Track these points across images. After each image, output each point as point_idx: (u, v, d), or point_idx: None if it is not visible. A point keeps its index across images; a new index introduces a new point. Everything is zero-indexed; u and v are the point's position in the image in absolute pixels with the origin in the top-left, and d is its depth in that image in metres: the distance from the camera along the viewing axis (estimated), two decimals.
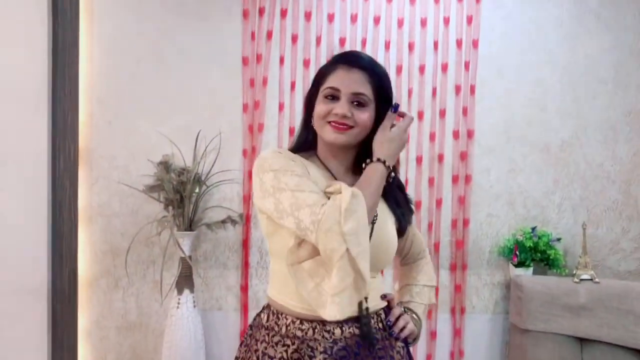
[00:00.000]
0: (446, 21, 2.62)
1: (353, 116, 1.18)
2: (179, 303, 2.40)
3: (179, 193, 2.39)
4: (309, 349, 1.15)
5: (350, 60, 1.22)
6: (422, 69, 2.62)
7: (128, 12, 2.56)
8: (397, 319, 1.28)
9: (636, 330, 2.36)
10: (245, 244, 2.60)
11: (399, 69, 2.62)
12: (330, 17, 2.59)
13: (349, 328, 1.16)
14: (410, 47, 2.62)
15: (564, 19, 2.65)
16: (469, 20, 2.61)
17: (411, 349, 1.32)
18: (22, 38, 2.44)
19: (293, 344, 1.16)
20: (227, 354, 2.61)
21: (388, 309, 1.30)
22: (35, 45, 2.44)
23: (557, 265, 2.54)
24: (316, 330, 1.16)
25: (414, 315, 1.35)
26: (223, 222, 2.46)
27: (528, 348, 2.42)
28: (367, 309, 1.15)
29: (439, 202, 2.63)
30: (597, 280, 2.46)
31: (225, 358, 2.61)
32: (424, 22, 2.61)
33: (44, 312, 2.45)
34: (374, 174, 1.15)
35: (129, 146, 2.57)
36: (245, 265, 2.61)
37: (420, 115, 2.63)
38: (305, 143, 1.29)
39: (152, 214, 2.52)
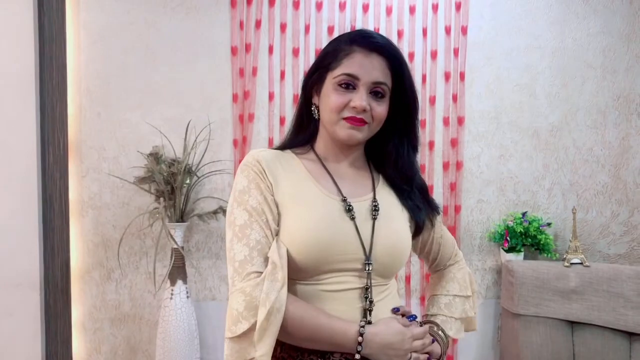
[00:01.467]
0: (435, 8, 2.61)
1: (371, 110, 1.04)
2: (172, 294, 2.39)
3: (170, 184, 2.37)
4: None
5: (368, 42, 1.04)
6: (411, 56, 2.61)
7: (115, 2, 2.54)
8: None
9: (626, 312, 2.38)
10: None
11: None
12: (319, 6, 2.58)
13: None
14: (399, 34, 2.61)
15: (552, 3, 2.65)
16: (458, 6, 2.61)
17: None
18: (7, 30, 2.41)
19: (290, 355, 1.04)
20: (221, 344, 2.61)
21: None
22: (21, 37, 2.41)
23: (548, 249, 2.56)
24: (310, 354, 1.02)
25: (438, 331, 1.16)
26: (215, 212, 2.46)
27: (519, 332, 2.44)
28: (369, 322, 1.01)
29: (430, 189, 2.58)
30: (587, 264, 2.48)
31: (219, 348, 2.61)
32: (412, 10, 2.60)
33: (37, 305, 2.44)
34: (332, 336, 0.96)
35: (118, 138, 2.56)
36: None
37: None
38: (303, 138, 1.15)
39: (143, 206, 2.51)
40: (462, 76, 2.62)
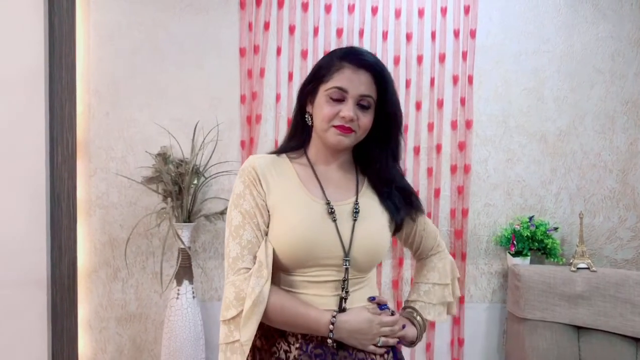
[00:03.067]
0: (443, 11, 2.61)
1: (358, 120, 1.17)
2: (178, 294, 2.40)
3: (178, 184, 2.38)
4: (286, 344, 1.18)
5: (357, 59, 1.18)
6: (419, 60, 2.61)
7: (125, 3, 2.54)
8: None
9: (633, 318, 2.37)
10: None
11: (396, 60, 2.61)
12: (328, 8, 2.58)
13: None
14: (408, 37, 2.61)
15: (561, 7, 2.64)
16: (467, 10, 2.61)
17: (409, 349, 1.24)
18: (18, 29, 2.42)
19: (274, 337, 1.20)
20: None
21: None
22: (31, 36, 2.42)
23: (554, 254, 2.55)
24: (294, 336, 1.18)
25: (417, 316, 1.31)
26: (221, 213, 2.46)
27: (525, 336, 2.43)
28: (344, 309, 1.16)
29: (437, 192, 2.64)
30: (594, 269, 2.47)
31: None
32: (421, 13, 2.60)
33: (44, 304, 2.45)
34: (308, 323, 1.14)
35: (126, 137, 2.56)
36: None
37: (419, 105, 2.62)
38: (297, 143, 1.28)
39: (150, 206, 2.52)
40: (470, 79, 2.62)
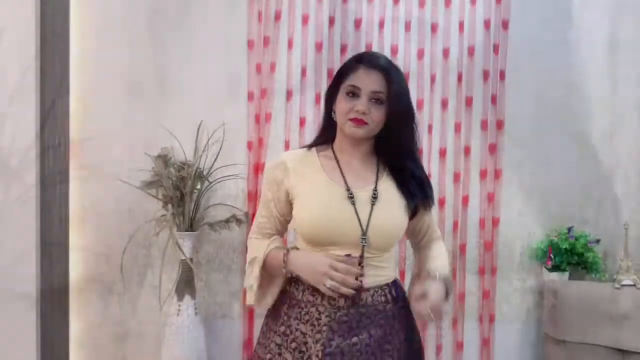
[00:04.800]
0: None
1: (370, 114, 1.39)
2: (179, 310, 2.35)
3: (179, 189, 2.34)
4: (317, 312, 1.41)
5: (370, 61, 1.43)
6: (446, 53, 2.55)
7: None
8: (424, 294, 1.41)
9: None
10: None
11: (420, 53, 2.57)
12: None
13: (349, 298, 1.40)
14: (433, 28, 2.54)
15: None
16: None
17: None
18: (9, 24, 2.36)
19: (305, 306, 1.44)
20: None
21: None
22: (23, 32, 2.37)
23: (596, 269, 2.52)
24: (324, 298, 1.41)
25: (435, 273, 1.50)
26: (227, 221, 2.40)
27: None
28: (360, 284, 1.39)
29: (465, 200, 2.58)
30: None
31: None
32: (448, 1, 2.55)
33: (32, 319, 2.37)
34: (274, 259, 1.47)
35: (124, 138, 2.51)
36: None
37: (445, 103, 2.57)
38: (326, 138, 1.54)
39: (149, 213, 2.45)
40: (502, 75, 2.56)
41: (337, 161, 1.50)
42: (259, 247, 1.52)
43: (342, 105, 1.43)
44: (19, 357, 2.38)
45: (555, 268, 2.50)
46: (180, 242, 2.31)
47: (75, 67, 2.49)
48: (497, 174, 2.57)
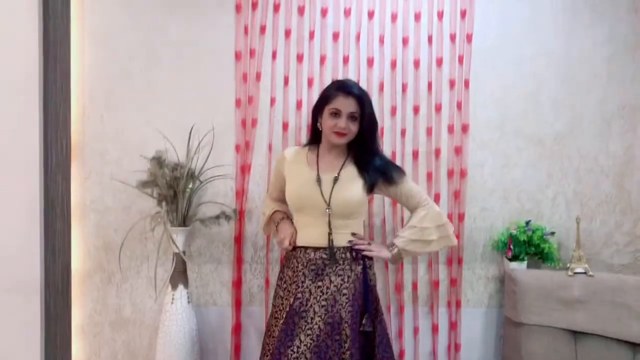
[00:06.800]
0: (440, 15, 2.60)
1: (349, 127, 1.97)
2: (173, 299, 2.38)
3: (172, 188, 2.36)
4: (297, 262, 2.02)
5: (347, 90, 1.96)
6: (416, 64, 2.61)
7: (119, 6, 2.54)
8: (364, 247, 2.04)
9: (630, 323, 2.37)
10: (239, 239, 2.59)
11: (393, 64, 2.60)
12: (324, 12, 2.58)
13: (318, 252, 1.99)
14: (404, 41, 2.60)
15: (558, 12, 2.64)
16: (463, 14, 2.60)
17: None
18: (12, 32, 2.41)
19: (293, 258, 2.04)
20: (221, 349, 2.61)
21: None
22: (26, 40, 2.42)
23: (551, 258, 2.55)
24: (300, 251, 2.02)
25: (393, 246, 2.09)
26: (217, 217, 2.44)
27: (522, 341, 2.43)
28: (331, 240, 1.98)
29: (437, 197, 2.62)
30: (591, 273, 2.48)
31: (220, 353, 2.61)
32: (417, 17, 2.60)
33: (37, 308, 2.44)
34: (272, 221, 2.23)
35: (121, 141, 2.56)
36: (239, 260, 2.59)
37: (416, 109, 2.62)
38: (315, 140, 2.11)
39: (145, 210, 2.51)
40: (466, 84, 2.62)
41: (317, 156, 2.06)
42: (267, 206, 2.25)
43: (328, 122, 1.97)
44: (25, 344, 2.42)
45: (515, 258, 2.54)
46: (173, 236, 2.35)
47: (75, 75, 2.52)
48: (463, 174, 2.61)
